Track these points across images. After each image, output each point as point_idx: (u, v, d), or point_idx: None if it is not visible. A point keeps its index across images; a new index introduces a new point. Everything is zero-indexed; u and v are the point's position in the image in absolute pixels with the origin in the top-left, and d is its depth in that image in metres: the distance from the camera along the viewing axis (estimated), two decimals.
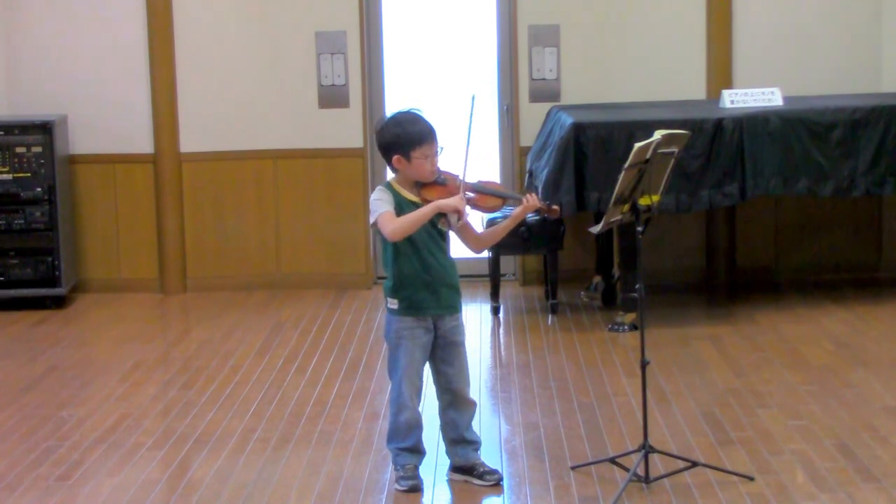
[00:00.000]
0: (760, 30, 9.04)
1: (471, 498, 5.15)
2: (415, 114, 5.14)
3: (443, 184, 5.10)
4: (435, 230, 5.11)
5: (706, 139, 7.72)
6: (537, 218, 8.10)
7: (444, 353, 5.20)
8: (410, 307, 5.13)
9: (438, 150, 5.09)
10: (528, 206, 5.11)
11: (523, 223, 8.09)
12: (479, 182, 5.18)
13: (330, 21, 9.06)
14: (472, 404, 5.30)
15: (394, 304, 5.16)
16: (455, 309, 5.21)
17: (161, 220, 9.14)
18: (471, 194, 5.11)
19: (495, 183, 5.33)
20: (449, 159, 5.17)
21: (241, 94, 9.11)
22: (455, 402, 5.25)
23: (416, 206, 5.08)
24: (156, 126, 9.09)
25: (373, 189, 9.19)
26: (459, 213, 5.02)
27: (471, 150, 5.10)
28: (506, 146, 9.26)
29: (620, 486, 5.04)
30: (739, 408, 6.15)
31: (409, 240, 5.07)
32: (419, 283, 5.10)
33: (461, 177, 5.09)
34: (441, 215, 5.10)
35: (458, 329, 5.24)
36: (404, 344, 5.15)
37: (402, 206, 5.07)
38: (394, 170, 5.13)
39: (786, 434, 5.74)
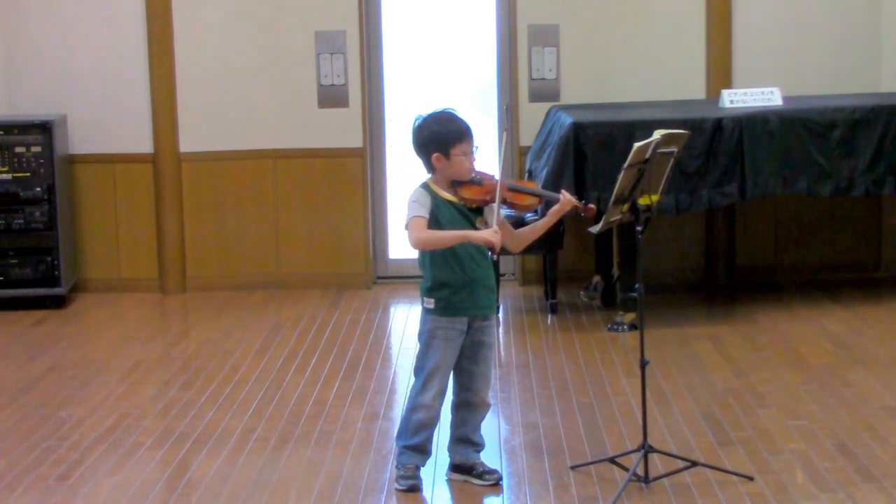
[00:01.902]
0: (760, 30, 9.04)
1: (470, 498, 5.15)
2: (451, 112, 5.15)
3: (479, 183, 5.10)
4: (473, 229, 5.08)
5: (706, 139, 7.72)
6: (536, 217, 8.09)
7: (471, 352, 5.18)
8: (447, 308, 5.12)
9: (475, 148, 5.10)
10: (566, 202, 5.12)
11: (522, 223, 8.07)
12: (515, 182, 5.19)
13: (329, 21, 9.05)
14: (487, 406, 5.30)
15: (430, 303, 5.14)
16: (490, 309, 5.20)
17: (160, 220, 9.14)
18: (507, 195, 5.11)
19: (531, 182, 5.32)
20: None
21: (240, 93, 9.11)
22: (471, 401, 5.23)
23: (452, 205, 5.07)
24: (155, 126, 9.09)
25: (372, 188, 9.30)
26: (493, 247, 4.98)
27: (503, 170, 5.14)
28: (505, 146, 9.23)
29: (620, 486, 5.04)
30: (739, 408, 6.15)
31: None
32: (457, 284, 5.09)
33: (497, 177, 5.08)
34: (479, 215, 5.10)
35: (490, 329, 5.22)
36: (437, 344, 5.13)
37: (438, 206, 5.07)
38: (430, 169, 5.12)
39: (785, 434, 5.74)
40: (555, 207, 5.15)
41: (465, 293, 5.10)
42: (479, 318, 5.17)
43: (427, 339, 5.16)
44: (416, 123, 5.16)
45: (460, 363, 5.20)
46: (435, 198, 5.08)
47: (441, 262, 5.09)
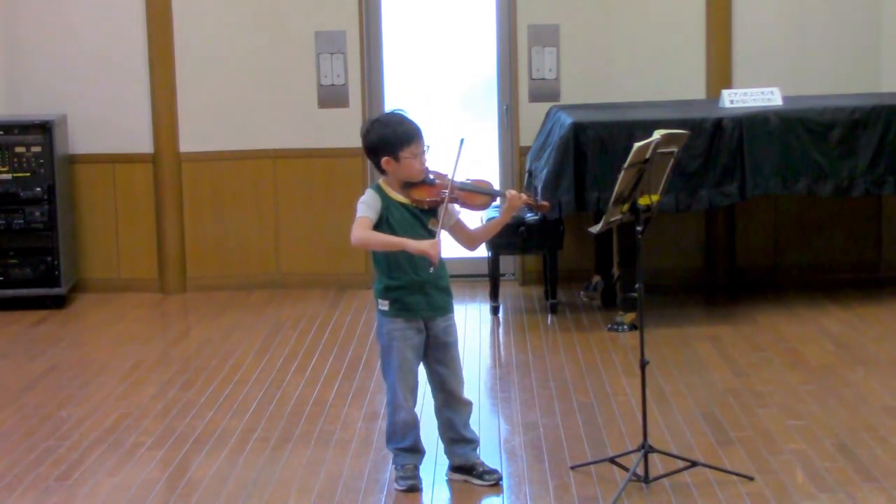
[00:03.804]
0: (760, 30, 9.04)
1: (470, 498, 5.15)
2: (399, 114, 5.15)
3: (431, 183, 5.10)
4: (425, 231, 5.10)
5: (706, 139, 7.72)
6: (536, 217, 8.10)
7: (438, 354, 5.20)
8: (401, 309, 5.13)
9: (426, 148, 5.09)
10: (512, 199, 5.12)
11: (523, 223, 8.10)
12: (468, 180, 5.18)
13: (330, 21, 9.06)
14: (468, 404, 5.30)
15: (384, 305, 5.15)
16: (445, 310, 5.21)
17: (161, 220, 9.14)
18: (459, 194, 5.11)
19: (484, 181, 5.31)
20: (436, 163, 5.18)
21: (240, 93, 9.11)
22: (449, 401, 5.24)
23: (404, 207, 5.08)
24: (155, 126, 9.09)
25: None
26: (431, 259, 4.98)
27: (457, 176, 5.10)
28: (505, 146, 9.26)
29: (620, 486, 5.04)
30: (739, 408, 6.15)
31: None
32: (409, 285, 5.09)
33: (450, 176, 5.08)
34: (432, 216, 5.10)
35: (450, 329, 5.23)
36: (395, 345, 5.14)
37: (389, 209, 5.07)
38: (382, 172, 5.13)
39: (785, 434, 5.74)
40: (504, 206, 5.16)
41: (418, 294, 5.10)
42: (438, 318, 5.17)
43: (386, 341, 5.18)
44: (365, 127, 5.16)
45: (431, 367, 5.22)
46: (386, 199, 5.08)
47: (394, 263, 5.09)
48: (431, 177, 5.11)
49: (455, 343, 5.25)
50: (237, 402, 6.50)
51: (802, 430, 5.77)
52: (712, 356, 7.11)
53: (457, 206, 5.17)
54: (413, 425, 5.21)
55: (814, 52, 9.04)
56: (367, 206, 5.06)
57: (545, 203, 5.31)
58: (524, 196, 5.17)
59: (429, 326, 5.17)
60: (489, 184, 5.29)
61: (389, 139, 5.05)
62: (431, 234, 5.10)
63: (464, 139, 5.06)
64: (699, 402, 6.26)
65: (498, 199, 5.31)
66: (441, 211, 5.09)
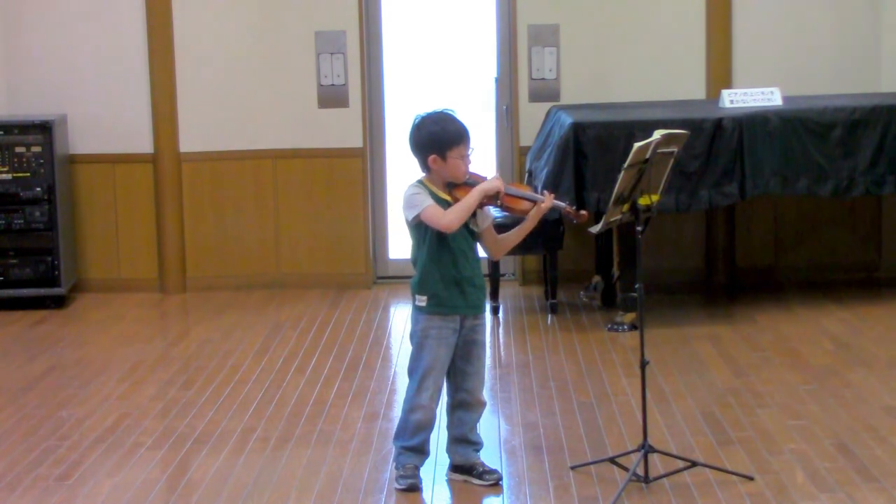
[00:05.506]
0: (760, 30, 9.04)
1: (470, 498, 5.15)
2: (449, 113, 5.13)
3: (473, 185, 5.10)
4: (466, 229, 5.10)
5: (706, 139, 7.72)
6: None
7: (464, 352, 5.19)
8: (440, 305, 5.11)
9: (470, 150, 5.10)
10: (544, 207, 5.10)
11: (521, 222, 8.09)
12: (508, 185, 5.19)
13: (329, 21, 9.05)
14: (483, 405, 5.30)
15: (422, 301, 5.13)
16: (480, 308, 5.21)
17: (161, 220, 9.14)
18: (503, 199, 5.11)
19: (523, 185, 5.32)
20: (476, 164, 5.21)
21: (240, 93, 9.11)
22: (467, 401, 5.23)
23: (449, 204, 5.07)
24: (155, 126, 9.09)
25: (372, 188, 9.30)
26: (500, 192, 5.00)
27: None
28: (505, 146, 9.25)
29: (620, 486, 5.04)
30: (739, 408, 6.15)
31: (443, 238, 5.06)
32: (449, 281, 5.09)
33: (489, 178, 5.10)
34: (471, 216, 5.09)
35: (481, 328, 5.23)
36: (430, 343, 5.12)
37: (436, 204, 5.07)
38: (425, 169, 5.12)
39: (785, 434, 5.74)
40: (532, 211, 5.13)
41: (456, 291, 5.10)
42: (471, 317, 5.17)
43: (420, 339, 5.15)
44: (415, 123, 5.15)
45: (453, 363, 5.20)
46: (432, 195, 5.08)
47: (436, 257, 5.08)
48: (472, 180, 5.10)
49: (484, 342, 5.25)
50: (237, 402, 6.50)
51: (802, 430, 5.77)
52: (712, 356, 7.11)
53: (491, 210, 5.18)
54: (426, 427, 5.20)
55: (814, 52, 9.04)
56: (423, 196, 5.05)
57: (584, 213, 5.24)
58: (559, 204, 5.15)
59: (463, 325, 5.16)
60: (529, 188, 5.30)
61: (440, 138, 5.05)
62: (472, 234, 5.13)
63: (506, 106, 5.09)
64: (699, 402, 6.27)
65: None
66: (480, 213, 5.12)
